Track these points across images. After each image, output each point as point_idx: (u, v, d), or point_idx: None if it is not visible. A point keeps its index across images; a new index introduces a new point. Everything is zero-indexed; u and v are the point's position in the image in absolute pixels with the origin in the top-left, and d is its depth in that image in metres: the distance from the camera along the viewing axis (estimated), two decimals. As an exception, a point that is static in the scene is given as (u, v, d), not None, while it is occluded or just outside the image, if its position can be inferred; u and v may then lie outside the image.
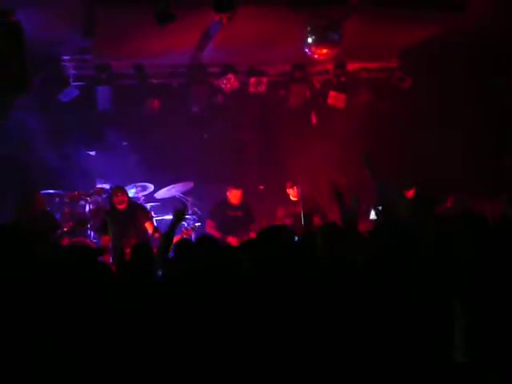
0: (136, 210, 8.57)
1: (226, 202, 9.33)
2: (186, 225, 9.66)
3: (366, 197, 10.01)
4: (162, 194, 9.98)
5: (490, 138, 10.07)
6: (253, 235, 9.09)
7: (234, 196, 9.29)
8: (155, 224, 8.86)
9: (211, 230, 9.11)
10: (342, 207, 5.42)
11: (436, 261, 4.00)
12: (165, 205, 10.02)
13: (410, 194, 8.95)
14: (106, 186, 9.71)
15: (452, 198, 8.98)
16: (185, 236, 8.33)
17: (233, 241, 8.69)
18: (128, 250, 7.81)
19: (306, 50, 8.36)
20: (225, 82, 10.05)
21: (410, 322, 3.71)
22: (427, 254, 4.13)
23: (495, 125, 10.05)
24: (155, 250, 5.27)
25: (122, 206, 8.41)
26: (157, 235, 8.26)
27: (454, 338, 3.72)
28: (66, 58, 9.58)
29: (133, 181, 9.77)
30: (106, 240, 8.40)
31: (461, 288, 3.77)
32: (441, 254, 4.04)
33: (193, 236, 9.10)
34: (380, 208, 8.32)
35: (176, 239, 7.14)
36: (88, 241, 8.85)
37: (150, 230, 8.48)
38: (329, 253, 4.33)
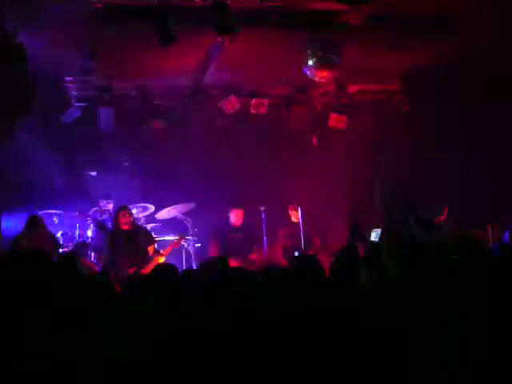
0: (140, 233, 8.45)
1: (227, 224, 9.31)
2: (186, 246, 9.65)
3: (367, 217, 10.09)
4: (163, 214, 9.94)
5: (490, 162, 10.06)
6: (254, 257, 9.08)
7: (236, 217, 9.29)
8: (156, 247, 8.78)
9: (214, 253, 9.05)
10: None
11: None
12: (165, 226, 10.00)
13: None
14: (107, 206, 9.70)
15: (447, 209, 8.95)
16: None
17: (235, 264, 8.62)
18: (130, 271, 7.81)
19: (307, 72, 8.39)
20: (226, 103, 10.09)
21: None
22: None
23: (495, 148, 10.03)
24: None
25: (126, 227, 8.34)
26: (156, 258, 8.20)
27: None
28: (68, 79, 9.64)
29: (133, 201, 9.75)
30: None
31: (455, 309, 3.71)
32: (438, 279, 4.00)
33: (192, 257, 9.07)
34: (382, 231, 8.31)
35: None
36: (88, 262, 8.81)
37: (150, 253, 8.41)
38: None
